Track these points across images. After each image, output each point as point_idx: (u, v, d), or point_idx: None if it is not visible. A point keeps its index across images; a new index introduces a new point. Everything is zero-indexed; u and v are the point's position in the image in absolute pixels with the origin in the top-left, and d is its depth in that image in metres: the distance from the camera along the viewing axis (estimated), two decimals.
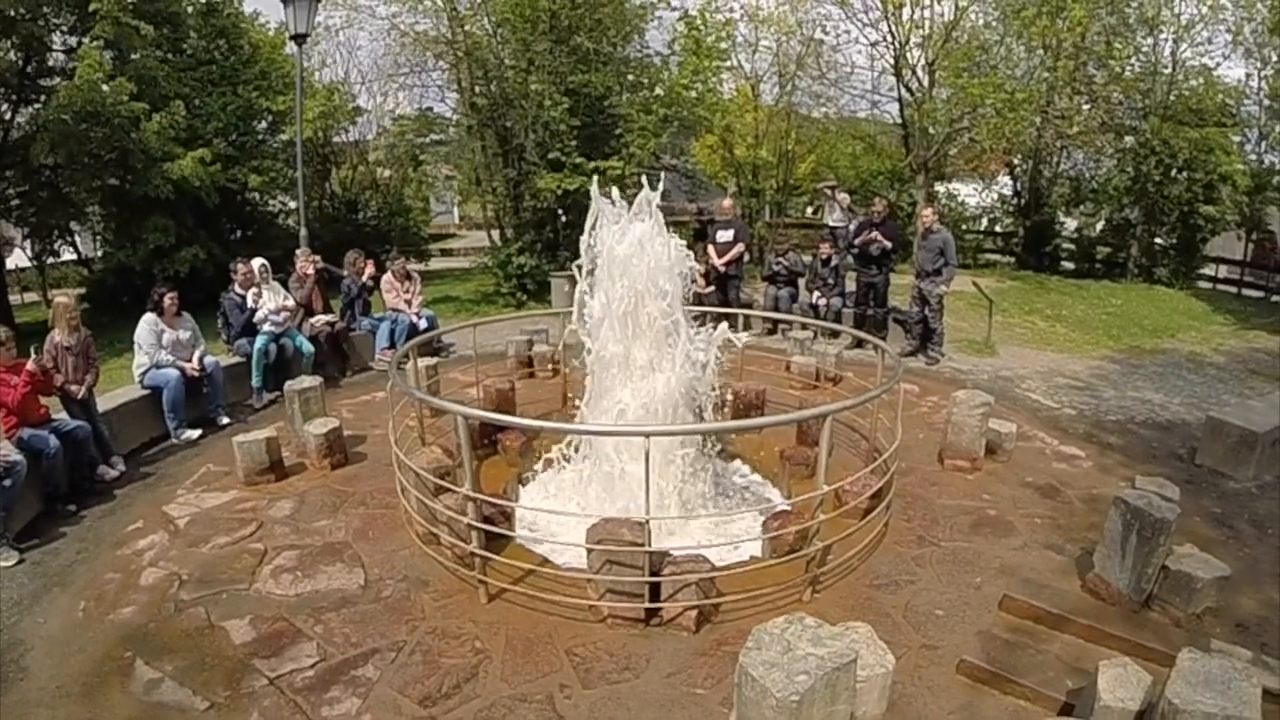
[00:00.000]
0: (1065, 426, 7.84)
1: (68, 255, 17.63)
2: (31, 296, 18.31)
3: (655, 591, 4.26)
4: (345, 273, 10.31)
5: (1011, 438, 6.74)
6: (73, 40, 13.78)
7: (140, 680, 4.00)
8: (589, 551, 4.29)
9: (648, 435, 4.21)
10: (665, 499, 5.37)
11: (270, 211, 18.08)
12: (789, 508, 5.20)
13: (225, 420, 7.92)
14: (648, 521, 4.25)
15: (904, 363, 9.73)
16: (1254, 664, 3.65)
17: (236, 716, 3.59)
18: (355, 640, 4.22)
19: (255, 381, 8.51)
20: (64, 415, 6.44)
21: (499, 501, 5.07)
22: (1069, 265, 20.87)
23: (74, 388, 6.53)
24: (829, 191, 15.36)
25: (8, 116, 13.52)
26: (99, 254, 16.62)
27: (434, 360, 8.93)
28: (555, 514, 5.27)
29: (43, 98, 13.56)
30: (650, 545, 4.21)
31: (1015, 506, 5.82)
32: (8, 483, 5.34)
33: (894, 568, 4.94)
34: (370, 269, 10.31)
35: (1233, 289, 19.34)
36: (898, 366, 5.80)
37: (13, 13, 11.74)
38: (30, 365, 5.91)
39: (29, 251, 16.82)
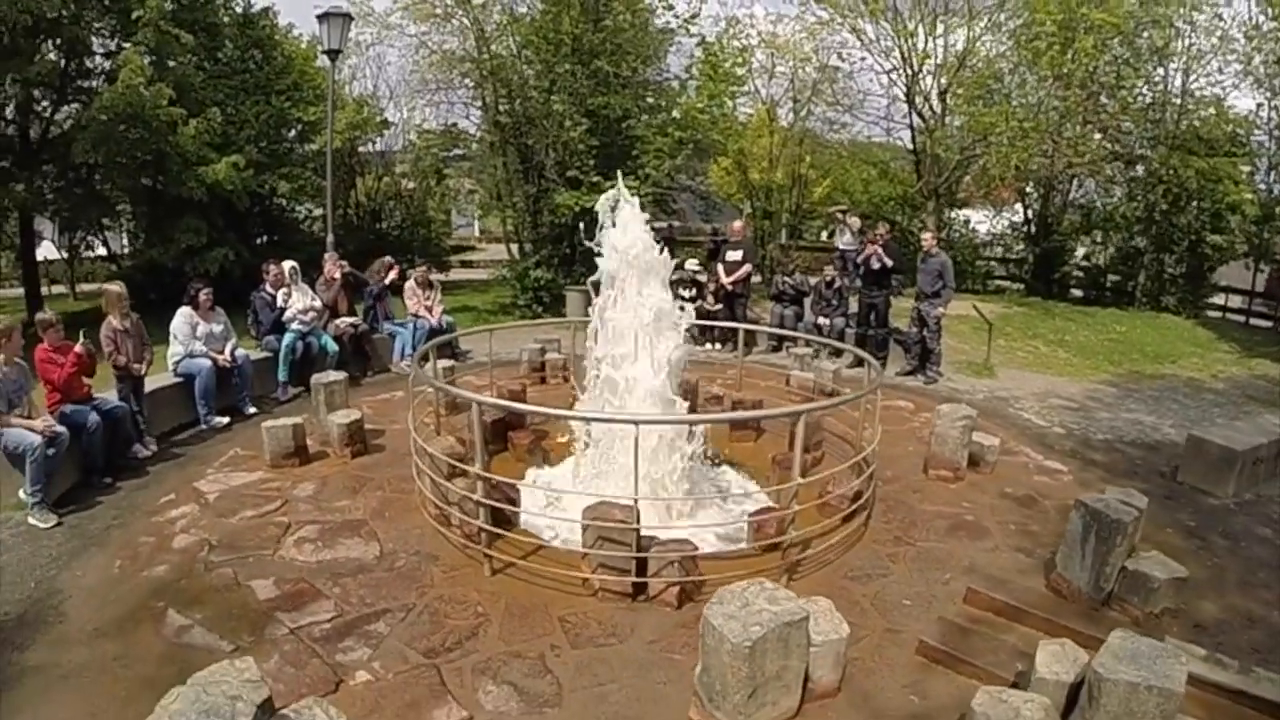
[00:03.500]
0: (1052, 443, 8.16)
1: (97, 251, 18.25)
2: (59, 289, 18.77)
3: (642, 568, 4.64)
4: (370, 279, 10.80)
5: (994, 450, 7.08)
6: (112, 44, 14.35)
7: (171, 626, 4.42)
8: (584, 528, 4.68)
9: (637, 423, 4.60)
10: (661, 491, 5.77)
11: (296, 217, 18.68)
12: (773, 503, 5.57)
13: (252, 410, 8.40)
14: (636, 502, 4.64)
15: (901, 380, 10.28)
16: (1207, 660, 3.98)
17: (259, 658, 3.97)
18: (369, 601, 4.62)
19: (282, 376, 8.99)
20: (104, 395, 6.91)
21: (507, 480, 5.46)
22: (1078, 292, 21.09)
23: (136, 366, 7.08)
24: (840, 215, 15.74)
25: (48, 115, 14.10)
26: (127, 250, 17.23)
27: (451, 364, 9.39)
28: (557, 492, 5.71)
29: (82, 98, 14.13)
30: (639, 525, 4.59)
31: (992, 514, 6.15)
32: (51, 451, 5.82)
33: (869, 563, 5.29)
34: (395, 271, 10.82)
35: (1240, 318, 19.46)
36: (878, 377, 6.19)
37: (56, 15, 12.31)
38: (79, 347, 6.40)
39: (59, 245, 17.43)
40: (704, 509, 6.00)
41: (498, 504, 5.01)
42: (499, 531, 4.97)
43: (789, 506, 4.93)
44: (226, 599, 4.69)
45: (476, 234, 28.60)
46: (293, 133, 17.11)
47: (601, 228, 6.26)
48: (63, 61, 13.74)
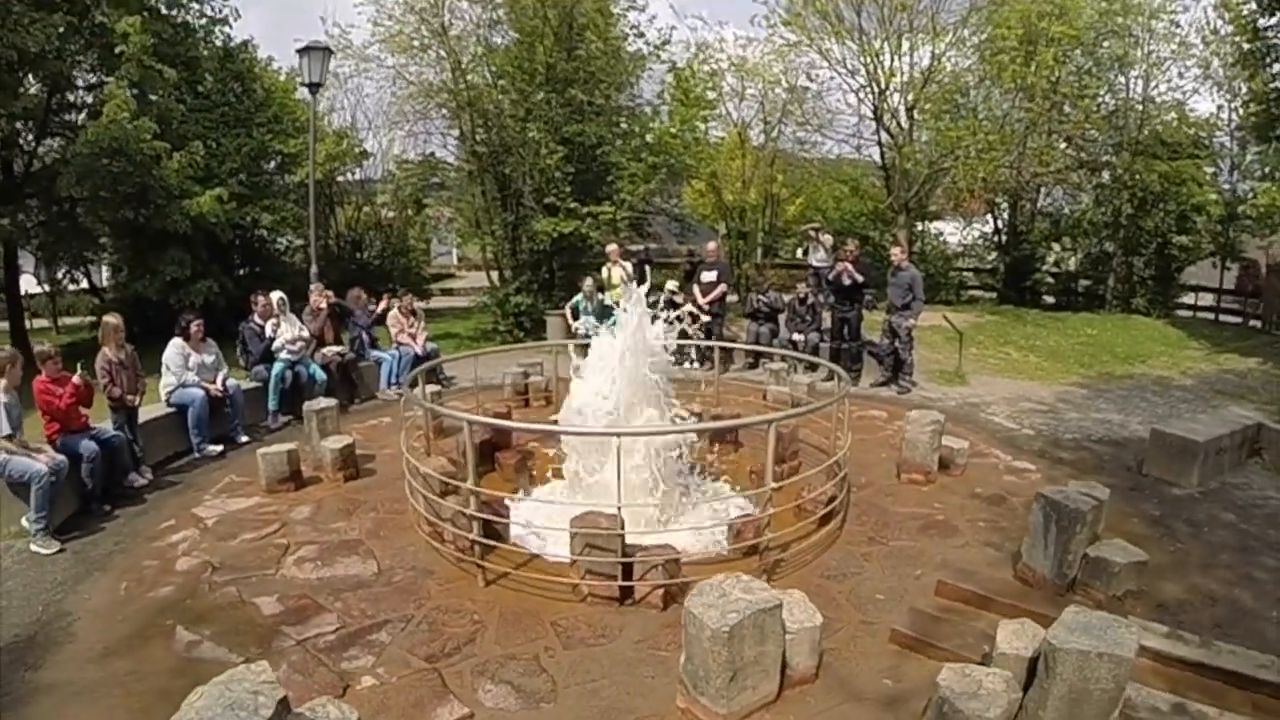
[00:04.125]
0: (1021, 444, 8.49)
1: (79, 284, 18.29)
2: (41, 323, 18.49)
3: (628, 573, 4.89)
4: (351, 307, 11.04)
5: (964, 453, 7.39)
6: (93, 79, 14.53)
7: (181, 641, 4.62)
8: (572, 536, 4.93)
9: (619, 435, 4.87)
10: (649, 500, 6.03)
11: (277, 249, 18.87)
12: (753, 510, 5.84)
13: (244, 438, 8.59)
14: (619, 510, 4.90)
15: (875, 391, 10.60)
16: (1169, 636, 4.25)
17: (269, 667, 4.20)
18: (370, 613, 4.85)
19: (272, 405, 9.20)
20: (100, 425, 7.06)
21: (497, 493, 5.71)
22: (1049, 299, 21.60)
23: (131, 397, 7.27)
24: (813, 234, 16.14)
25: (30, 148, 14.26)
26: (110, 284, 17.32)
27: (437, 389, 9.63)
28: (545, 503, 5.98)
29: (65, 132, 14.34)
30: (623, 531, 4.85)
31: (962, 513, 6.44)
32: (53, 479, 5.99)
33: (844, 562, 5.56)
34: (385, 302, 11.09)
35: (1210, 316, 19.96)
36: (846, 385, 6.54)
37: (41, 50, 12.49)
38: (76, 378, 6.62)
39: (41, 279, 17.47)
40: (684, 516, 6.25)
41: (489, 518, 5.24)
42: (491, 543, 5.20)
43: (765, 510, 5.19)
44: (232, 615, 4.89)
45: (454, 262, 28.86)
46: (272, 165, 17.33)
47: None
48: (46, 95, 13.90)
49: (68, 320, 18.65)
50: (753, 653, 3.43)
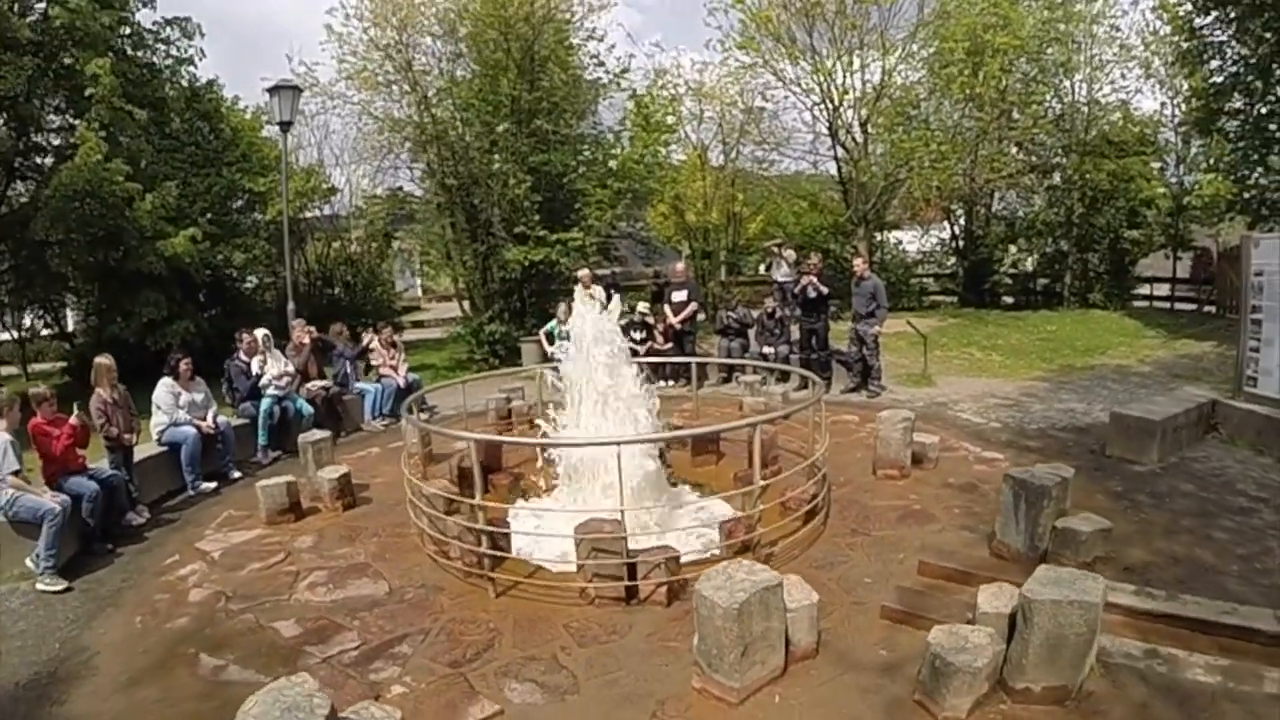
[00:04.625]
0: (989, 437, 8.92)
1: (46, 329, 18.23)
2: (9, 369, 17.95)
3: (632, 574, 5.17)
4: (334, 342, 11.26)
5: (935, 448, 7.78)
6: (57, 119, 14.69)
7: (206, 667, 4.79)
8: (578, 543, 5.20)
9: (619, 444, 5.18)
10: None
11: (246, 288, 18.96)
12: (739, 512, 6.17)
13: (236, 474, 8.74)
14: (622, 513, 5.20)
15: (846, 397, 10.99)
16: (1137, 593, 4.61)
17: None
18: (389, 629, 5.06)
19: (261, 440, 9.36)
20: (96, 465, 7.21)
21: (503, 505, 5.97)
22: (1009, 299, 22.31)
23: (128, 436, 7.41)
24: (775, 250, 16.60)
25: (0, 192, 14.27)
26: (80, 327, 17.28)
27: (426, 417, 9.86)
28: (548, 511, 6.31)
29: (33, 175, 14.46)
30: (626, 533, 5.14)
31: (937, 502, 6.82)
32: (57, 521, 6.10)
33: (830, 553, 5.90)
34: (368, 337, 11.39)
35: (1166, 305, 20.84)
36: (822, 389, 6.97)
37: (10, 92, 12.60)
38: (73, 419, 6.79)
39: (8, 324, 17.27)
40: (677, 521, 6.55)
41: (498, 529, 5.50)
42: (501, 554, 5.46)
43: (754, 506, 5.51)
44: (253, 640, 5.07)
45: (419, 294, 29.04)
46: (239, 203, 17.49)
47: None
48: (14, 138, 14.01)
49: (38, 366, 18.36)
50: (760, 628, 3.75)
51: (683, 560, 5.34)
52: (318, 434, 8.18)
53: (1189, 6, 15.87)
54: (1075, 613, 3.65)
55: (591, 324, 7.04)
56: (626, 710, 4.04)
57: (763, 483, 5.57)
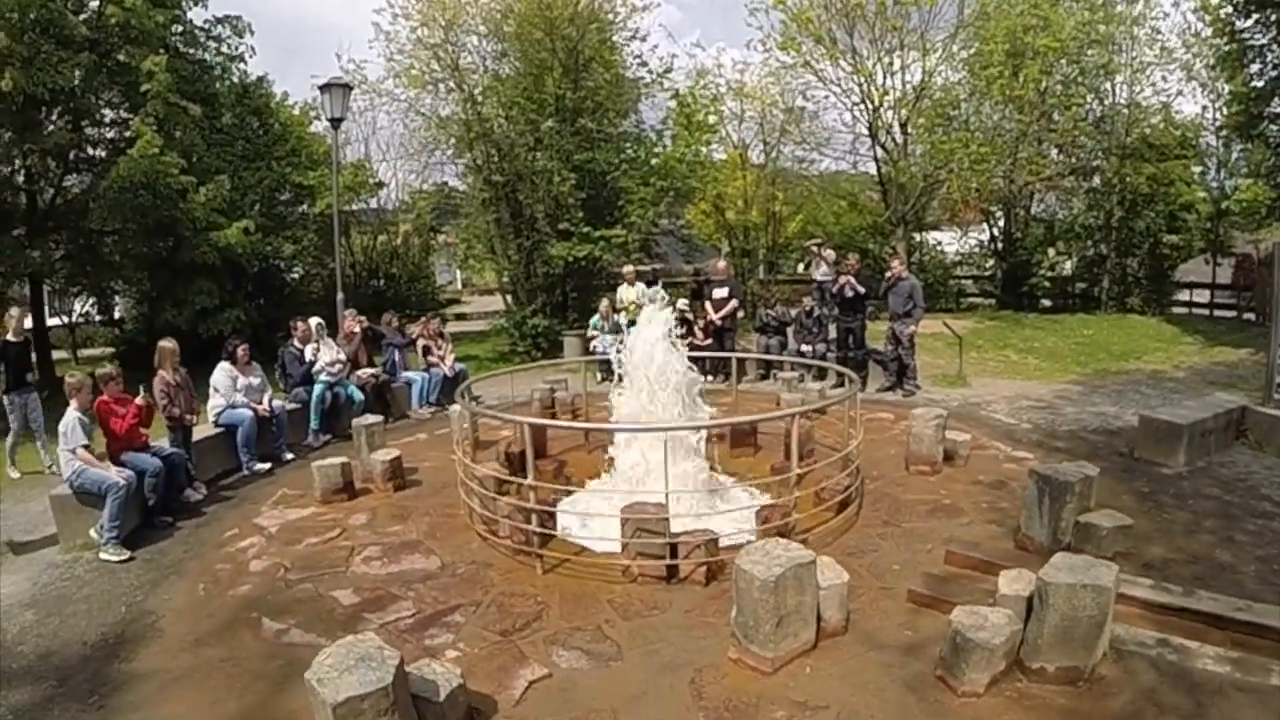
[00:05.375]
0: (1020, 437, 9.07)
1: (96, 316, 18.94)
2: (60, 354, 18.40)
3: (674, 554, 5.45)
4: (387, 332, 11.67)
5: (966, 445, 7.97)
6: (110, 114, 15.29)
7: (269, 630, 5.13)
8: (623, 523, 5.50)
9: (667, 430, 5.47)
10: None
11: (293, 278, 19.58)
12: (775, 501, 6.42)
13: (289, 456, 9.15)
14: (666, 496, 5.48)
15: (881, 396, 11.18)
16: (1154, 587, 4.78)
17: None
18: (442, 600, 5.39)
19: (314, 424, 9.76)
20: (158, 443, 7.62)
21: (556, 487, 6.38)
22: (1047, 302, 22.20)
23: (189, 417, 7.84)
24: (815, 249, 16.75)
25: (56, 183, 14.93)
26: (132, 314, 17.95)
27: (473, 405, 10.19)
28: (597, 492, 6.68)
29: (87, 167, 15.05)
30: (669, 514, 5.43)
31: (966, 497, 7.02)
32: (121, 494, 6.46)
33: (862, 542, 6.14)
34: (419, 328, 11.80)
35: (1205, 311, 20.63)
36: (857, 384, 7.24)
37: (70, 86, 13.11)
38: (139, 399, 7.21)
39: (59, 311, 17.94)
40: (716, 508, 6.81)
41: (548, 508, 5.81)
42: (550, 533, 5.79)
43: (791, 493, 5.77)
44: (314, 607, 5.42)
45: (459, 286, 29.55)
46: (286, 196, 18.04)
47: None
48: (71, 131, 14.55)
49: (86, 352, 19.02)
50: (794, 601, 4.02)
51: (721, 544, 5.61)
52: (370, 418, 8.59)
53: (1229, 9, 15.75)
54: (1088, 596, 3.87)
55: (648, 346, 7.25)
56: (666, 677, 4.31)
57: (799, 471, 5.81)
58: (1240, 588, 5.07)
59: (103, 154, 15.13)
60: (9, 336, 8.89)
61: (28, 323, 10.71)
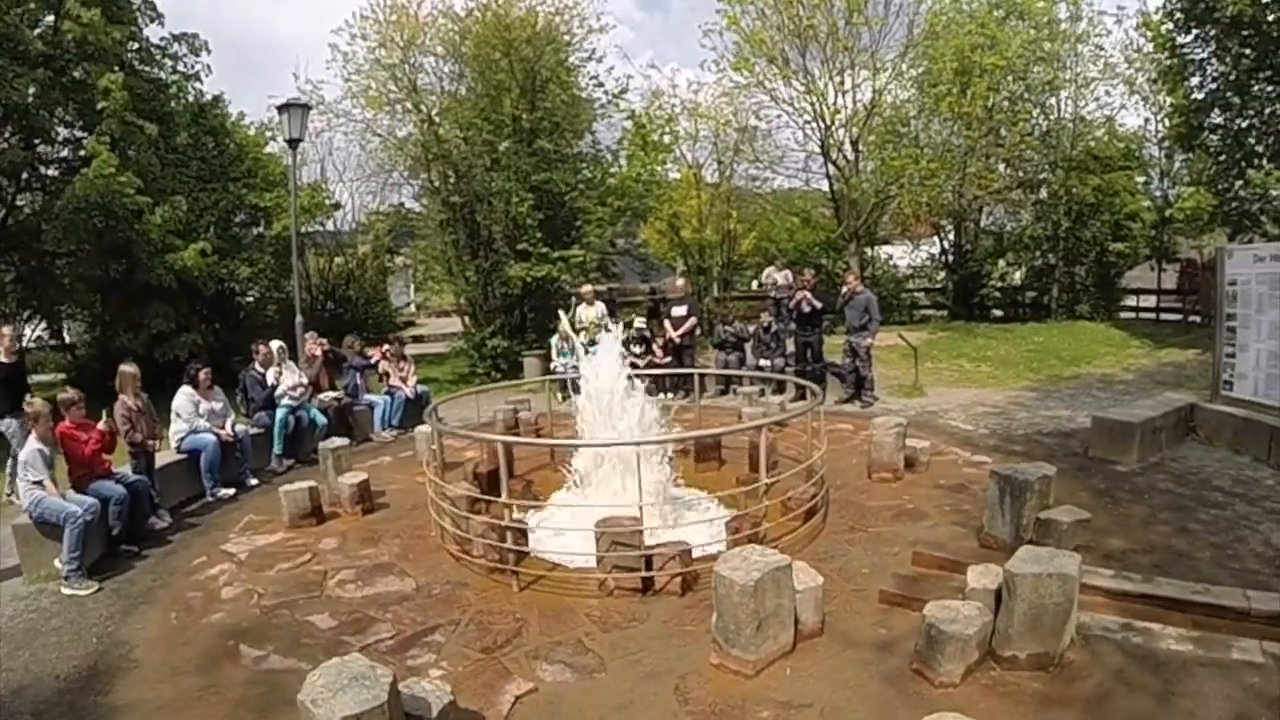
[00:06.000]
0: (977, 442, 9.35)
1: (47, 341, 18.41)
2: None
3: (649, 566, 5.53)
4: (345, 354, 11.60)
5: (926, 452, 8.21)
6: (65, 132, 15.00)
7: (248, 657, 5.06)
8: (598, 537, 5.56)
9: (638, 445, 5.56)
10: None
11: (248, 301, 19.30)
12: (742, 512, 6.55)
13: (253, 481, 9.04)
14: (640, 508, 5.56)
15: (841, 408, 11.40)
16: (1115, 576, 4.96)
17: None
18: (420, 621, 5.39)
19: (277, 449, 9.66)
20: (121, 470, 7.47)
21: (532, 504, 6.47)
22: (998, 312, 22.84)
23: (151, 442, 7.72)
24: (775, 273, 17.04)
25: (9, 203, 14.56)
26: (85, 339, 17.53)
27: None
28: (571, 507, 6.71)
29: (40, 186, 14.73)
30: (643, 525, 5.51)
31: (929, 501, 7.23)
32: (88, 519, 6.31)
33: (830, 548, 6.29)
34: (379, 351, 11.73)
35: (1152, 316, 21.35)
36: (820, 396, 7.44)
37: (19, 101, 12.84)
38: (102, 425, 7.08)
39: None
40: (686, 520, 6.92)
41: (522, 526, 5.86)
42: (525, 550, 5.82)
43: (760, 502, 5.90)
44: (291, 632, 5.37)
45: (413, 309, 29.36)
46: (241, 217, 17.83)
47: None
48: (23, 150, 14.23)
49: (37, 377, 18.35)
50: (772, 604, 4.14)
51: (695, 555, 5.70)
52: (336, 441, 8.54)
53: (1171, 25, 16.39)
54: (1054, 584, 4.07)
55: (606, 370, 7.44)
56: (651, 685, 4.38)
57: (767, 481, 5.94)
58: (1197, 573, 5.32)
59: (55, 173, 14.85)
60: (1, 358, 8.72)
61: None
